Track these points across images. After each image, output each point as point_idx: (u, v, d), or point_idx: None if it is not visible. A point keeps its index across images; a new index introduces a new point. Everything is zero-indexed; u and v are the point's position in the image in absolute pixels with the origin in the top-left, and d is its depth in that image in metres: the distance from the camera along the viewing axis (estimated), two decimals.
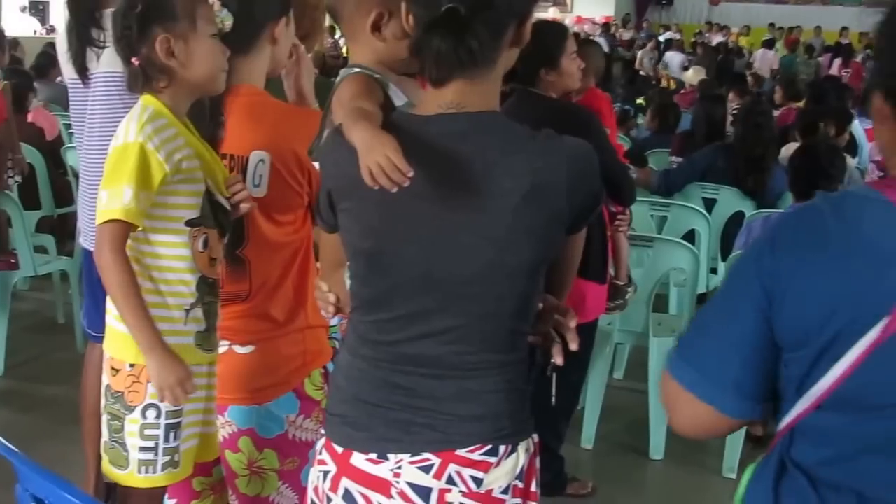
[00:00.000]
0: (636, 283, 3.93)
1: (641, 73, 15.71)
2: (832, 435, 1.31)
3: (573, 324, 1.68)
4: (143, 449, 2.00)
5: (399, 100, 1.99)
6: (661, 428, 4.02)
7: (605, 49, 15.42)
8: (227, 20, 2.06)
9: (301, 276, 2.19)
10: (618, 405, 4.37)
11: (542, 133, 1.58)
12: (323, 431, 1.71)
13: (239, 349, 2.18)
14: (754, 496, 1.40)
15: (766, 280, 1.30)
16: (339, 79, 1.99)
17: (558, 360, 1.67)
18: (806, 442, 1.34)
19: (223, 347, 2.16)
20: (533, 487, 1.66)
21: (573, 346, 1.66)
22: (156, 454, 2.00)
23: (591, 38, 18.43)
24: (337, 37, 11.52)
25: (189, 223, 1.99)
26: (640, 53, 18.29)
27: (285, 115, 2.17)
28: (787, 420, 1.34)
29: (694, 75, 12.95)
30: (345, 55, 8.81)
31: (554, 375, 1.78)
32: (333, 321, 3.32)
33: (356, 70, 1.96)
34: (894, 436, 1.25)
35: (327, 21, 3.03)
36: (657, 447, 4.05)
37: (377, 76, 1.94)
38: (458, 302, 1.58)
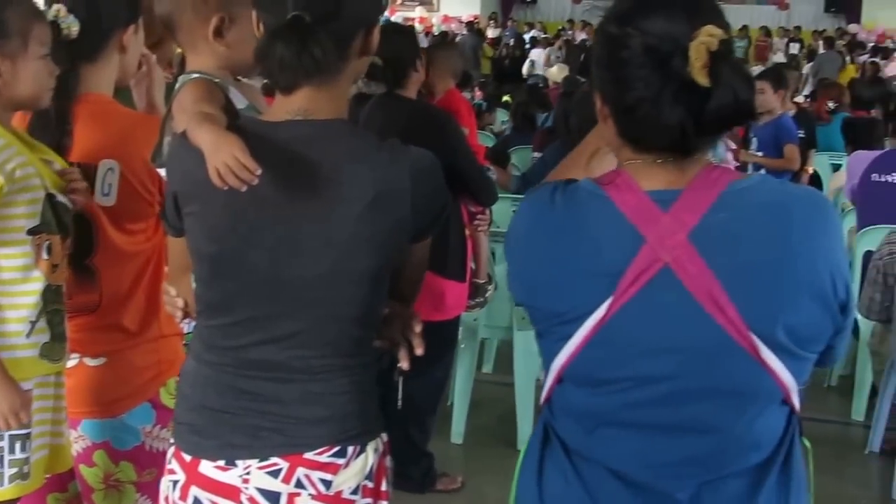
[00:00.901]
0: (497, 280, 4.00)
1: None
2: (574, 408, 1.43)
3: (419, 328, 1.70)
4: None
5: (240, 103, 2.00)
6: (528, 419, 4.09)
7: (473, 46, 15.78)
8: (73, 26, 2.02)
9: (153, 286, 2.15)
10: (486, 399, 4.46)
11: (388, 143, 1.60)
12: (172, 441, 1.69)
13: (90, 361, 2.13)
14: (527, 463, 1.50)
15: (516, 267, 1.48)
16: (178, 85, 1.98)
17: (404, 364, 1.69)
18: (559, 413, 1.46)
19: (73, 360, 2.11)
20: (383, 486, 1.68)
21: (418, 351, 1.68)
22: (1, 466, 1.94)
23: (458, 35, 18.69)
24: None
25: (31, 231, 1.93)
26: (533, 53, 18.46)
27: (134, 124, 2.14)
28: (544, 392, 1.47)
29: (558, 72, 13.16)
30: None
31: (401, 379, 1.79)
32: (188, 329, 3.32)
33: (195, 76, 1.95)
34: (625, 410, 1.36)
35: None
36: (524, 438, 4.09)
37: (217, 81, 1.94)
38: (301, 306, 1.59)
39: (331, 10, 1.52)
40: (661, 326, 1.33)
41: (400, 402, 1.88)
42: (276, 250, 1.57)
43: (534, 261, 1.42)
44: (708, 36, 1.26)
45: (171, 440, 1.69)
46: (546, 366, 1.43)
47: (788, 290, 1.33)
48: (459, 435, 4.24)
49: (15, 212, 1.92)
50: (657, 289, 1.31)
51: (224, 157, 1.45)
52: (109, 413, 2.13)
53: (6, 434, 1.93)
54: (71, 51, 2.01)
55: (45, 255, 1.96)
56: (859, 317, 3.94)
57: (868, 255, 4.42)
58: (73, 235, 2.02)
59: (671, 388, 1.34)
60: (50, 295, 1.98)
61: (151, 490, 2.14)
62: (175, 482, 1.65)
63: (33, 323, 1.95)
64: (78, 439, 2.16)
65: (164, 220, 1.72)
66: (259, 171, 1.45)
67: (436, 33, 20.10)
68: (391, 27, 3.46)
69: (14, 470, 1.96)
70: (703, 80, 1.26)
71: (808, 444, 1.46)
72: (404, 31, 3.71)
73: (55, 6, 2.01)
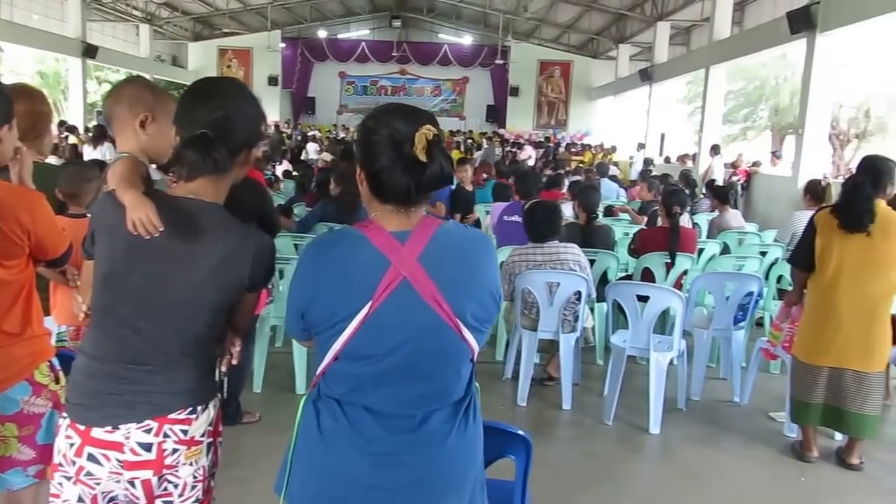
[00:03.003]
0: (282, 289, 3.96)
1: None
2: (345, 375, 1.43)
3: (237, 348, 1.70)
4: None
5: (156, 176, 1.94)
6: (302, 376, 4.07)
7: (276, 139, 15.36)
8: None
9: (28, 302, 2.00)
10: (277, 363, 4.34)
11: (245, 226, 1.58)
12: (65, 415, 1.58)
13: None
14: (306, 411, 1.48)
15: (303, 287, 1.45)
16: (112, 159, 1.90)
17: (223, 368, 1.69)
18: (332, 380, 1.45)
19: None
20: (220, 428, 1.67)
21: (234, 362, 1.69)
22: None
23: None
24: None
25: None
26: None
27: (9, 192, 1.95)
28: (321, 367, 1.45)
29: (326, 157, 13.10)
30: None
31: (225, 378, 1.77)
32: (62, 329, 3.05)
33: (125, 154, 1.87)
34: (377, 374, 1.40)
35: None
36: (301, 388, 4.08)
37: (140, 159, 1.86)
38: (162, 319, 1.53)
39: (227, 132, 1.50)
40: (404, 317, 1.37)
41: (226, 390, 1.81)
42: (150, 277, 1.52)
43: (316, 282, 1.40)
44: (427, 129, 1.35)
45: (65, 415, 1.58)
46: (322, 350, 1.42)
47: (476, 291, 1.43)
48: (258, 386, 4.12)
49: None
50: (400, 294, 1.36)
51: (140, 214, 1.46)
52: None
53: None
54: None
55: None
56: None
57: (501, 264, 4.67)
58: None
59: (408, 353, 1.39)
60: None
61: (29, 441, 1.99)
62: (72, 444, 1.54)
63: None
64: None
65: (83, 246, 1.62)
66: (161, 228, 1.46)
67: None
68: None
69: None
70: (423, 157, 1.35)
71: (477, 384, 1.54)
72: None
73: None
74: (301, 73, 25.58)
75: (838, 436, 3.72)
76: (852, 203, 3.36)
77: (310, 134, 20.43)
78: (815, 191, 5.97)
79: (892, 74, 18.60)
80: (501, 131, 23.24)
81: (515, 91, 24.72)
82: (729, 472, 3.51)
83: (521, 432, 2.02)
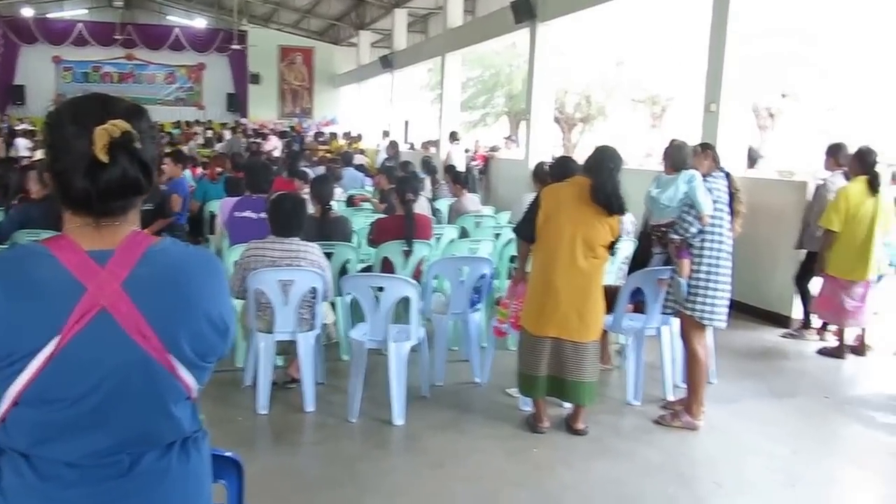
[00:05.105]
0: None
1: None
2: (29, 424, 1.19)
3: None
4: None
5: None
6: None
7: None
8: None
9: None
10: None
11: None
12: None
13: None
14: None
15: None
16: None
17: None
18: (14, 430, 1.20)
19: None
20: None
21: None
22: None
23: None
24: None
25: None
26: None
27: None
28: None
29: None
30: None
31: None
32: None
33: None
34: (69, 421, 1.18)
35: None
36: None
37: None
38: None
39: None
40: (100, 354, 1.17)
41: None
42: None
43: None
44: (112, 126, 1.16)
45: None
46: None
47: (193, 322, 1.25)
48: None
49: None
50: (96, 326, 1.16)
51: None
52: None
53: None
54: None
55: None
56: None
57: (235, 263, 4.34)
58: None
59: (106, 396, 1.18)
60: None
61: None
62: None
63: None
64: None
65: None
66: None
67: None
68: None
69: None
70: (103, 157, 1.16)
71: (202, 417, 1.36)
72: None
73: None
74: (5, 58, 22.41)
75: (567, 404, 3.99)
76: (609, 184, 3.59)
77: (19, 128, 17.91)
78: (539, 174, 6.40)
79: (607, 63, 20.93)
80: (244, 121, 22.34)
81: (256, 78, 23.89)
82: (470, 454, 3.60)
83: (228, 454, 1.81)
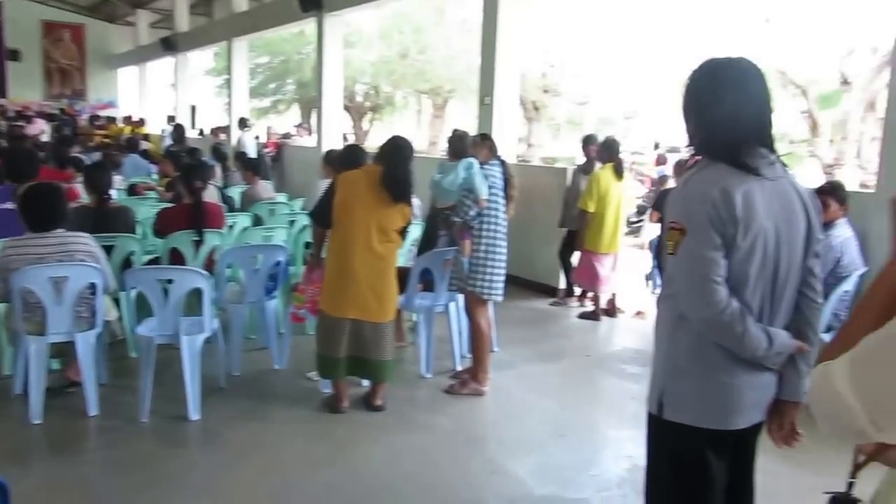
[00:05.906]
0: None
1: None
2: None
3: None
4: None
5: None
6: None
7: None
8: None
9: None
10: None
11: None
12: None
13: None
14: None
15: None
16: None
17: None
18: None
19: None
20: None
21: None
22: None
23: None
24: None
25: None
26: None
27: None
28: None
29: None
30: None
31: None
32: None
33: None
34: None
35: None
36: None
37: None
38: None
39: None
40: None
41: None
42: None
43: None
44: None
45: None
46: None
47: None
48: None
49: None
50: None
51: None
52: None
53: None
54: None
55: None
56: None
57: None
58: None
59: None
60: None
61: None
62: None
63: None
64: None
65: None
66: None
67: None
68: None
69: None
70: None
71: None
72: None
73: None
74: None
75: (365, 382, 4.04)
76: (399, 173, 3.64)
77: None
78: (330, 160, 6.36)
79: (392, 55, 21.17)
80: (3, 101, 19.58)
81: (16, 55, 21.00)
82: (274, 441, 3.51)
83: None
